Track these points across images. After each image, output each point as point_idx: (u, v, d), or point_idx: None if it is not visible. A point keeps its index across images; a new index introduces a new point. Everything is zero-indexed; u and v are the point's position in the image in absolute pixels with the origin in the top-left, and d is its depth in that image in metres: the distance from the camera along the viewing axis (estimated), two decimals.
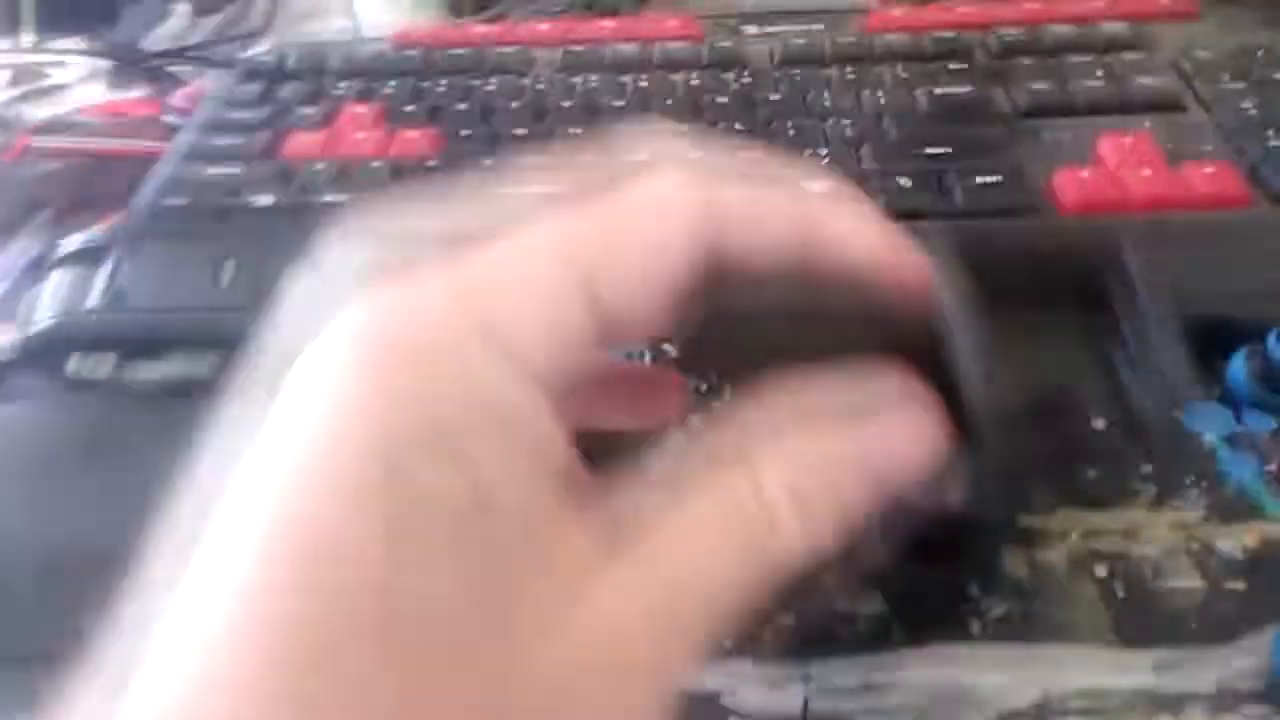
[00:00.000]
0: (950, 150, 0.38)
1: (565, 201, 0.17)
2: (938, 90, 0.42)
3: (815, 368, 0.17)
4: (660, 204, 0.17)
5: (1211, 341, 0.32)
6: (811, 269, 0.18)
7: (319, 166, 0.39)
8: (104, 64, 0.51)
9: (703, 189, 0.17)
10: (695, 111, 0.42)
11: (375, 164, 0.39)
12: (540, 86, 0.43)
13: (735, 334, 0.19)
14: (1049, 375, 0.24)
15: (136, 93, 0.50)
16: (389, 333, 0.15)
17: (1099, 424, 0.29)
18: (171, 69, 0.53)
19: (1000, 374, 0.17)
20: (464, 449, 0.14)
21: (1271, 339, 0.30)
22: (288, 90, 0.43)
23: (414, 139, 0.40)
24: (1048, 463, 0.25)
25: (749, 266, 0.18)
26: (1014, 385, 0.17)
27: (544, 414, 0.15)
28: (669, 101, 0.42)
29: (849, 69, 0.43)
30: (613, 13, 0.52)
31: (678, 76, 0.44)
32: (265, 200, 0.37)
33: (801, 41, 0.45)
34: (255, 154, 0.40)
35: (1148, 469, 0.29)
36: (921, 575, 0.25)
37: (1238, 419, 0.31)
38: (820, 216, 0.18)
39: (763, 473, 0.16)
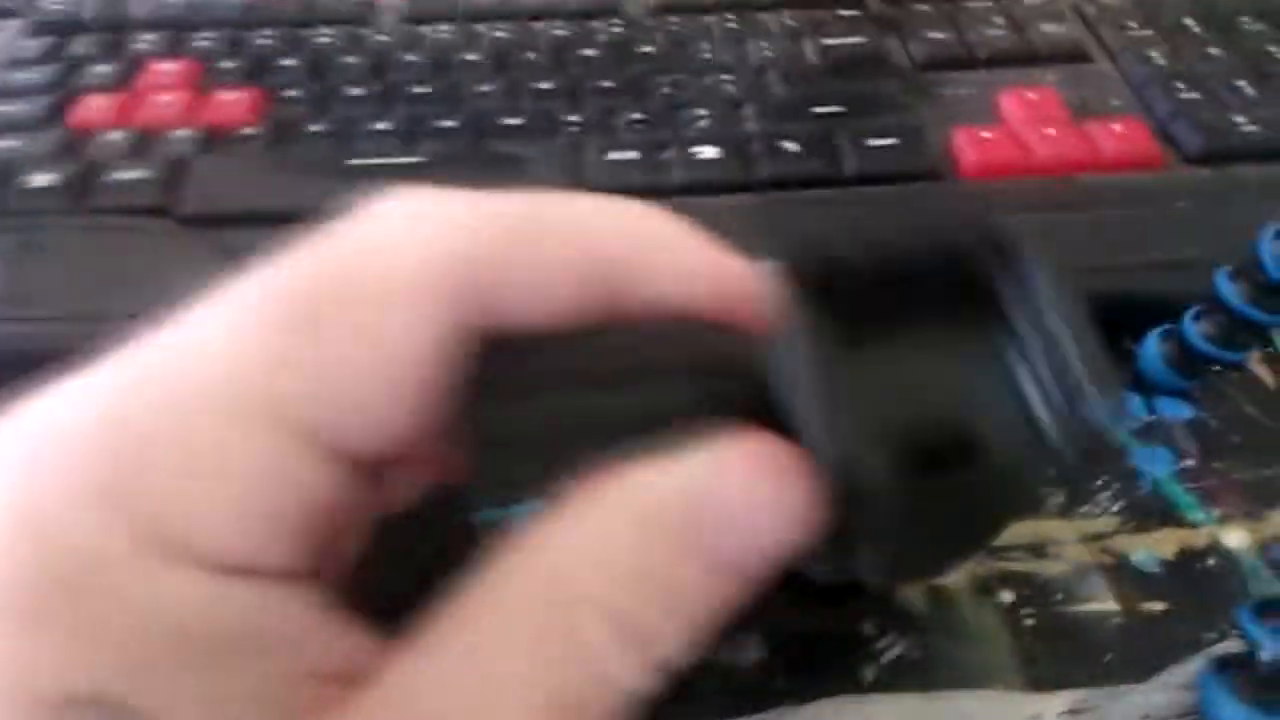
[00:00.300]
0: (842, 109, 0.34)
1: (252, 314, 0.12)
2: (828, 41, 0.38)
3: (636, 446, 0.13)
4: (386, 263, 0.13)
5: (1120, 322, 0.29)
6: (619, 316, 0.14)
7: (112, 136, 0.33)
8: None
9: (451, 228, 0.13)
10: (560, 67, 0.37)
11: (182, 133, 0.33)
12: (382, 38, 0.38)
13: (526, 417, 0.14)
14: (932, 396, 0.20)
15: None
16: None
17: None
18: None
19: (871, 420, 0.13)
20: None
21: (1187, 318, 0.27)
22: (81, 44, 0.37)
23: (231, 101, 0.34)
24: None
25: (534, 324, 0.13)
26: (884, 429, 0.13)
27: (252, 616, 0.11)
28: (531, 55, 0.37)
29: (731, 16, 0.39)
30: None
31: (540, 25, 0.39)
32: (44, 179, 0.31)
33: None
34: (37, 123, 0.34)
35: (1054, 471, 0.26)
36: (807, 617, 0.22)
37: (1150, 408, 0.28)
38: (622, 246, 0.14)
39: (579, 614, 0.12)
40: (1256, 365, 0.29)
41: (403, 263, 0.13)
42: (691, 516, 0.12)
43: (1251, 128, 0.33)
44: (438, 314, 0.12)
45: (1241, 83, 0.35)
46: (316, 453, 0.12)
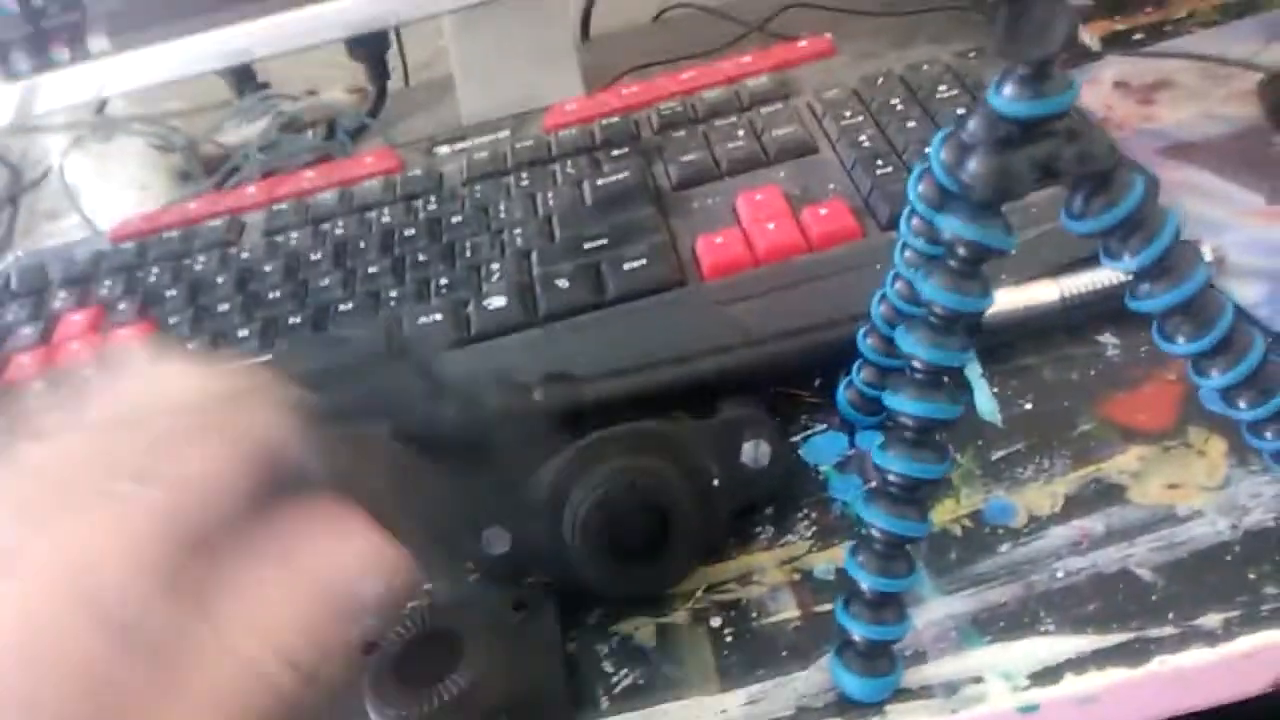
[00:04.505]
0: (606, 241, 0.42)
1: None
2: (600, 181, 0.45)
3: None
4: None
5: (833, 369, 0.36)
6: None
7: (36, 386, 0.41)
8: None
9: None
10: (387, 248, 0.45)
11: (88, 371, 0.41)
12: (245, 255, 0.46)
13: None
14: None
15: None
16: None
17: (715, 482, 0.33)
18: None
19: None
20: None
21: (854, 369, 0.34)
22: (11, 311, 0.46)
23: (126, 337, 0.43)
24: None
25: None
26: None
27: None
28: (363, 244, 0.45)
29: (525, 175, 0.47)
30: (326, 156, 0.55)
31: (373, 214, 0.47)
32: None
33: (485, 155, 0.49)
34: None
35: (769, 511, 0.33)
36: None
37: (851, 442, 0.35)
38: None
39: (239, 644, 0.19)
40: None
41: None
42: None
43: None
44: None
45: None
46: None
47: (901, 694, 0.26)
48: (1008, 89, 0.22)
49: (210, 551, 0.20)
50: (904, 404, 0.24)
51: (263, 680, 0.19)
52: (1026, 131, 0.22)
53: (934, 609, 0.28)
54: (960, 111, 0.43)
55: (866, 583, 0.25)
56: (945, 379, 0.24)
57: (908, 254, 0.29)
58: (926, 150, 0.42)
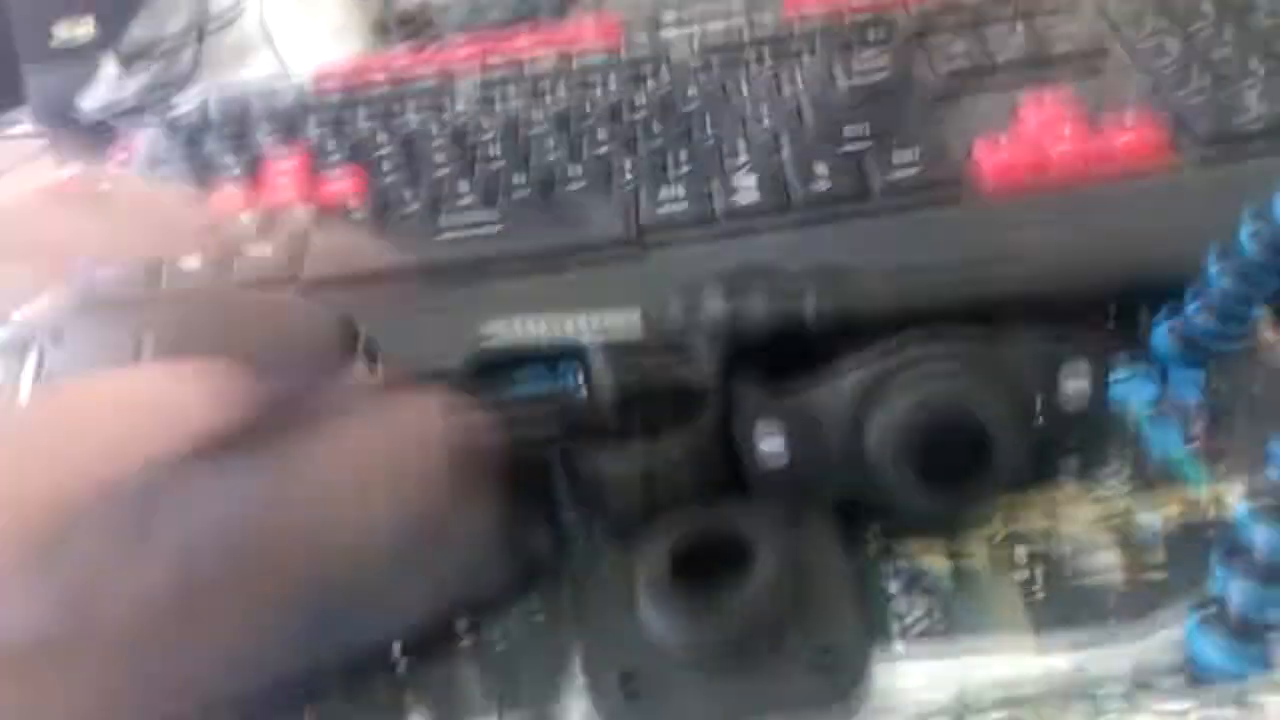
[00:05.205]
0: (868, 132, 0.38)
1: None
2: (856, 71, 0.41)
3: None
4: None
5: (1142, 305, 0.32)
6: None
7: (244, 219, 0.39)
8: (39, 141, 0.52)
9: None
10: (616, 122, 0.41)
11: (299, 211, 0.39)
12: (460, 114, 0.43)
13: None
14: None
15: (77, 165, 0.50)
16: None
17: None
18: (111, 125, 0.53)
19: None
20: None
21: (1190, 306, 0.29)
22: (210, 143, 0.44)
23: (338, 181, 0.40)
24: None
25: None
26: None
27: None
28: (588, 116, 0.42)
29: (767, 58, 0.43)
30: (534, 21, 0.51)
31: (597, 87, 0.44)
32: (191, 264, 0.37)
33: (719, 33, 0.45)
34: None
35: (1074, 454, 0.29)
36: None
37: (1164, 387, 0.30)
38: None
39: None
40: (1270, 338, 0.31)
41: None
42: None
43: (1262, 110, 0.35)
44: None
45: (1253, 63, 0.37)
46: None
47: (1268, 675, 0.23)
48: None
49: None
50: None
51: None
52: None
53: None
54: None
55: (1269, 543, 0.21)
56: None
57: None
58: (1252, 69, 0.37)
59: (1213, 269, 0.28)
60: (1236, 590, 0.22)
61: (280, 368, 0.25)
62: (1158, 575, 0.25)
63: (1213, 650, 0.22)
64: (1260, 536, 0.21)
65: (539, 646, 0.26)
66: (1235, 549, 0.22)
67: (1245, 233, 0.26)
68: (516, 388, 0.32)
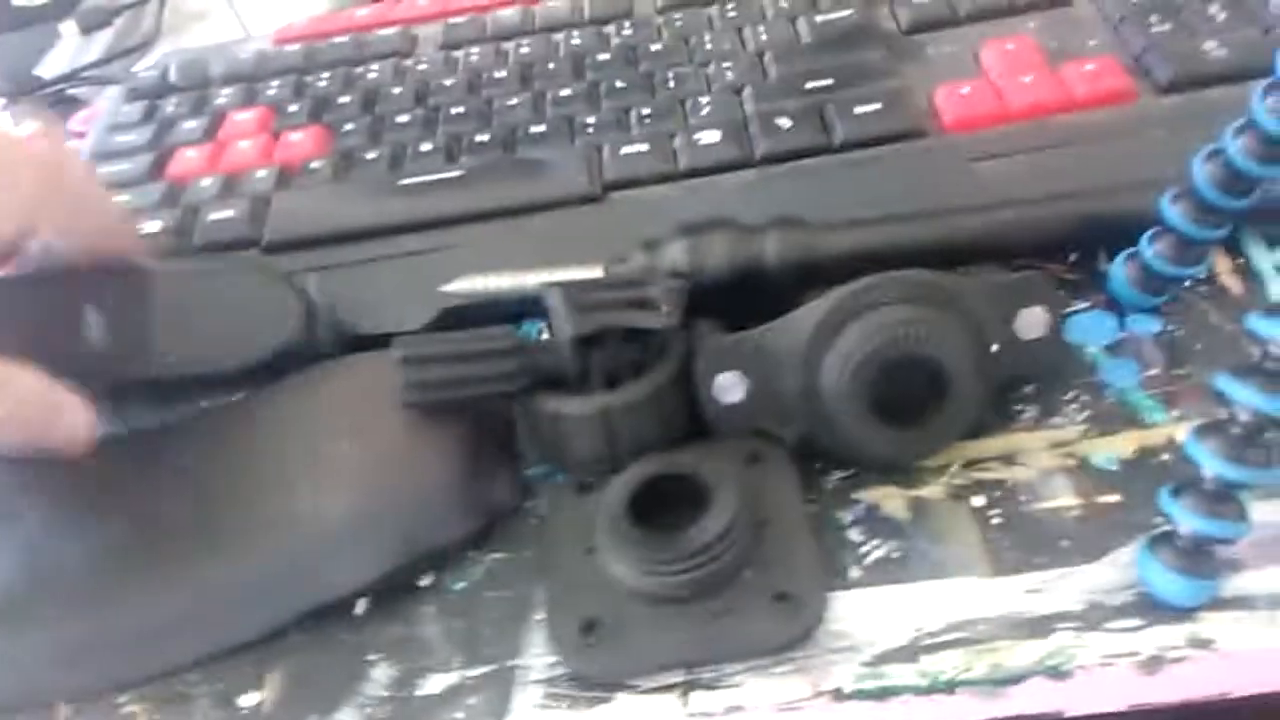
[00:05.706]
0: (831, 81, 0.38)
1: None
2: (819, 17, 0.41)
3: None
4: None
5: (1098, 243, 0.32)
6: None
7: (205, 183, 0.38)
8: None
9: None
10: (579, 73, 0.41)
11: (261, 173, 0.39)
12: (422, 66, 0.43)
13: None
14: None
15: (36, 124, 0.49)
16: None
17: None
18: (72, 93, 0.52)
19: None
20: None
21: (1143, 241, 0.29)
22: (171, 105, 0.43)
23: (300, 140, 0.40)
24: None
25: None
26: None
27: None
28: (551, 67, 0.41)
29: (729, 6, 0.43)
30: None
31: (559, 37, 0.43)
32: (153, 225, 0.37)
33: None
34: (142, 177, 0.40)
35: (1030, 389, 0.29)
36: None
37: (1122, 324, 0.31)
38: None
39: None
40: (1226, 276, 0.31)
41: None
42: None
43: (1221, 52, 0.35)
44: None
45: (1213, 8, 0.37)
46: None
47: (1217, 602, 0.23)
48: None
49: None
50: None
51: None
52: None
53: (1257, 512, 0.24)
54: None
55: (1214, 469, 0.21)
56: None
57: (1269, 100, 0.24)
58: (1210, 10, 0.37)
59: (1167, 209, 0.28)
60: (1184, 515, 0.22)
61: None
62: (1114, 508, 0.25)
63: (1163, 574, 0.23)
64: (1206, 461, 0.22)
65: (501, 593, 0.26)
66: (1183, 476, 0.22)
67: (1199, 174, 0.27)
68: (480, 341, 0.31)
